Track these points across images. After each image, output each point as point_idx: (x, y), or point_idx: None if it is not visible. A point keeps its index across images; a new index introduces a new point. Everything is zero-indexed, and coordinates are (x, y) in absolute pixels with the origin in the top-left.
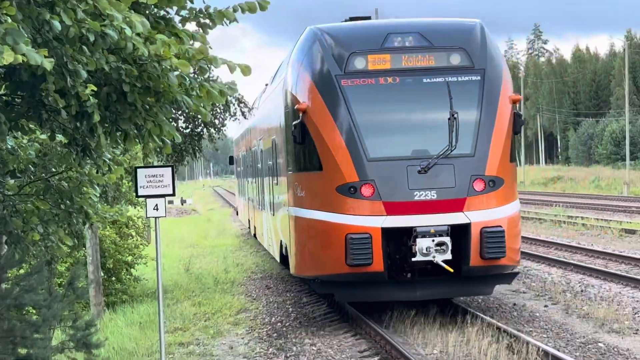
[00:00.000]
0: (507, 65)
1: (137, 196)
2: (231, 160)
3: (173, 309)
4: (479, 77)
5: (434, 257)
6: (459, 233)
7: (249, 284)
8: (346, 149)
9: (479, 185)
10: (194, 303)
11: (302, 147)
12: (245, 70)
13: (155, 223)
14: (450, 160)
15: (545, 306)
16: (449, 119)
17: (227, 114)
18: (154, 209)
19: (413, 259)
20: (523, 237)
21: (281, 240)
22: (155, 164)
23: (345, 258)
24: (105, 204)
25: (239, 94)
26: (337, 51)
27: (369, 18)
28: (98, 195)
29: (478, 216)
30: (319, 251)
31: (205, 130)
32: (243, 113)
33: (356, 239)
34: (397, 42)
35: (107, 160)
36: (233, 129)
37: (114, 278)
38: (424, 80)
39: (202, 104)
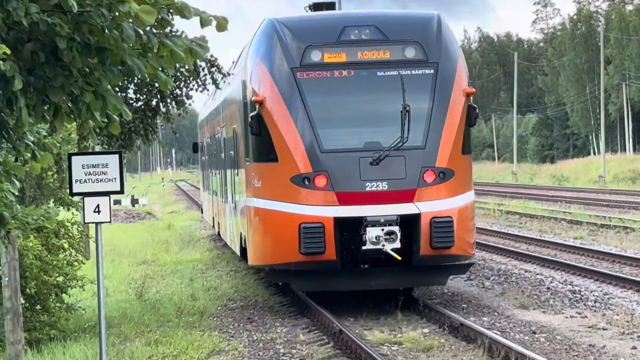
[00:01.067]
0: (463, 58)
1: (72, 194)
2: (195, 147)
3: (120, 349)
4: (432, 71)
5: (383, 245)
6: (410, 223)
7: (225, 315)
8: (301, 140)
9: (429, 177)
10: (148, 341)
11: (259, 138)
12: (223, 23)
13: (97, 231)
14: (401, 152)
15: (634, 348)
16: (401, 111)
17: (193, 83)
18: (94, 211)
19: (363, 248)
20: (604, 253)
21: (241, 233)
22: (97, 149)
23: (299, 247)
24: (22, 206)
25: (211, 56)
26: (294, 44)
27: (333, 5)
28: (16, 192)
29: (428, 207)
30: (274, 240)
31: (161, 103)
32: (215, 82)
33: (309, 228)
34: (353, 35)
35: (30, 143)
36: (201, 102)
37: (38, 307)
38: (378, 73)
39: (160, 68)
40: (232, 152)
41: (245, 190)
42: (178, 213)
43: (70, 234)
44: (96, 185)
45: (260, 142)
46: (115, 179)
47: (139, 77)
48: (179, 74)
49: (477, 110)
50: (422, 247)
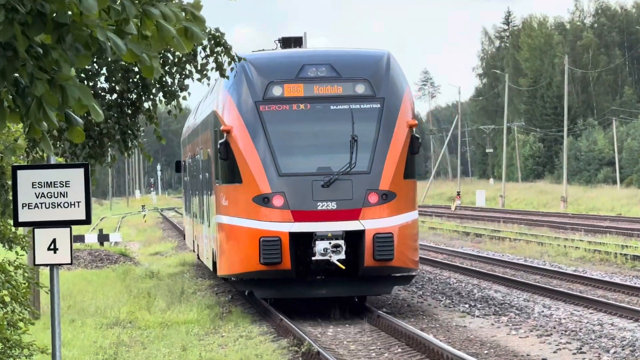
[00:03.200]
0: (409, 91)
1: (16, 224)
2: (178, 166)
3: None
4: (379, 105)
5: (330, 256)
6: (356, 238)
7: None
8: (262, 165)
9: (373, 198)
10: None
11: (226, 162)
12: None
13: (52, 278)
14: (349, 176)
15: None
16: (350, 141)
17: (189, 68)
18: (48, 249)
19: (313, 258)
20: None
21: (213, 249)
22: (53, 161)
23: (259, 258)
24: None
25: (216, 30)
26: (258, 80)
27: (300, 39)
28: None
29: (371, 224)
30: (238, 252)
31: (144, 96)
32: (221, 67)
33: (268, 241)
34: (310, 72)
35: None
36: (199, 94)
37: None
38: (332, 107)
39: (142, 52)
40: (207, 174)
41: (215, 209)
42: (165, 255)
43: (13, 283)
44: (52, 212)
45: (227, 166)
46: (78, 203)
47: (114, 59)
48: (169, 55)
49: (419, 140)
50: (366, 259)
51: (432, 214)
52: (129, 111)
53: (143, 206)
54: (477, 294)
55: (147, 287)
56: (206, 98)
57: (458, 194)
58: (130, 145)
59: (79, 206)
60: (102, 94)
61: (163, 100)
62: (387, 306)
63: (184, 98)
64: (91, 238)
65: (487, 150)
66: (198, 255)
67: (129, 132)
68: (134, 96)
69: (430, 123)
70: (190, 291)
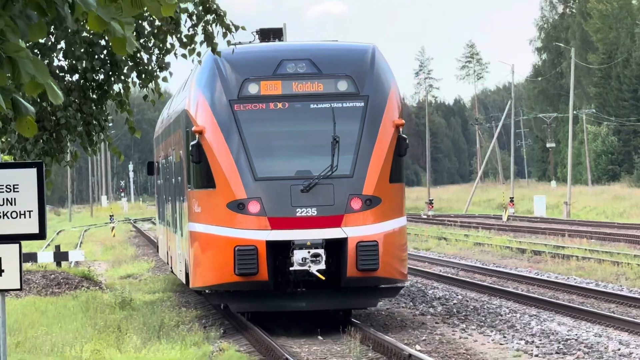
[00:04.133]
0: (396, 89)
1: None
2: (150, 168)
3: None
4: (362, 104)
5: (309, 266)
6: (338, 247)
7: None
8: (236, 168)
9: (356, 204)
10: None
11: (198, 166)
12: None
13: None
14: (330, 180)
15: None
16: (331, 142)
17: (170, 42)
18: None
19: (291, 268)
20: None
21: (186, 259)
22: None
23: (234, 268)
24: None
25: None
26: (232, 77)
27: (280, 31)
28: None
29: (354, 231)
30: (211, 262)
31: (114, 77)
32: (211, 39)
33: (243, 250)
34: (289, 68)
35: None
36: (182, 76)
37: None
38: (311, 106)
39: (111, 18)
40: (179, 177)
41: (188, 216)
42: (140, 278)
43: None
44: None
45: (200, 169)
46: (30, 212)
47: (75, 29)
48: (145, 24)
49: (407, 141)
50: (348, 269)
51: (479, 225)
52: (94, 96)
53: (111, 216)
54: (535, 328)
55: (116, 319)
56: (179, 93)
57: (511, 200)
58: (95, 139)
59: (30, 216)
60: (60, 74)
61: (137, 82)
62: (421, 343)
63: (164, 80)
64: (46, 257)
65: (548, 145)
66: (171, 268)
67: (94, 122)
68: (101, 77)
69: (476, 110)
70: (171, 324)
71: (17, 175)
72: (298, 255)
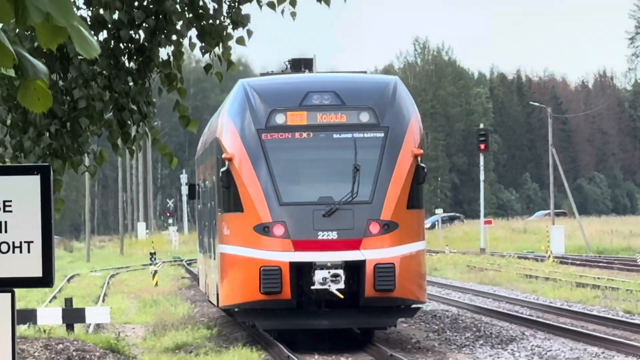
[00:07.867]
0: (417, 119)
1: None
2: (192, 191)
3: None
4: (382, 134)
5: (329, 286)
6: (357, 268)
7: None
8: (263, 194)
9: (374, 228)
10: None
11: (228, 190)
12: None
13: None
14: (350, 205)
15: None
16: (352, 170)
17: None
18: None
19: (312, 287)
20: None
21: (216, 281)
22: None
23: (259, 287)
24: None
25: None
26: (261, 107)
27: (310, 61)
28: None
29: (372, 254)
30: (239, 282)
31: (164, 36)
32: None
33: (268, 270)
34: (314, 99)
35: None
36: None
37: None
38: (334, 136)
39: None
40: (212, 202)
41: (218, 239)
42: (196, 351)
43: None
44: None
45: (229, 194)
46: (29, 245)
47: None
48: None
49: (425, 170)
50: (367, 289)
51: None
52: (132, 65)
53: (153, 254)
54: None
55: None
56: (216, 117)
57: None
58: (132, 132)
59: (29, 251)
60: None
61: (198, 44)
62: None
63: (240, 42)
64: (51, 316)
65: None
66: (208, 296)
67: (131, 106)
68: (142, 35)
69: None
70: None
71: (10, 186)
72: (319, 275)
